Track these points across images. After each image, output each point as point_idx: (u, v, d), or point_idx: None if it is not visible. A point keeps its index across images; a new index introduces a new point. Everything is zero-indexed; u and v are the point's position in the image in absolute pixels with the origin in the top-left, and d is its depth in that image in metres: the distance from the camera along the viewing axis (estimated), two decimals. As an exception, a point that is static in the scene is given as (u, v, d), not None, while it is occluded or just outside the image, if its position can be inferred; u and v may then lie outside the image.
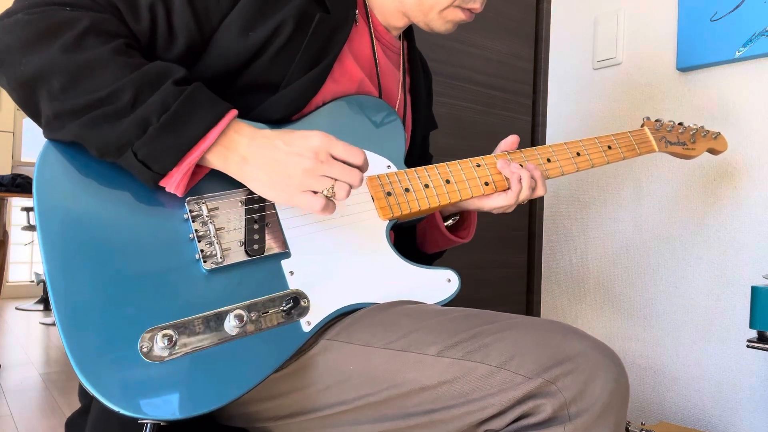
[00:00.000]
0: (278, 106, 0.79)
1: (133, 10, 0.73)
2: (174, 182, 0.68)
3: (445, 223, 1.00)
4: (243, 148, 0.70)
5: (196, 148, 0.67)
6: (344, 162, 0.71)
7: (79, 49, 0.66)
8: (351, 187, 0.71)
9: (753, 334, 1.12)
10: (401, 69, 0.99)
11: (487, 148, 1.75)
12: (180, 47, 0.76)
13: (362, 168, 0.72)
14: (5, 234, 3.01)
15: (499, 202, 0.91)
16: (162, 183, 0.69)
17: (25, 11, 0.68)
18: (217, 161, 0.71)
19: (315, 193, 0.70)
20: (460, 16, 0.92)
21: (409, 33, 1.03)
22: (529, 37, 1.85)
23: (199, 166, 0.71)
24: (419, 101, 1.01)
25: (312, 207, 0.70)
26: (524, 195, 0.91)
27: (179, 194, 0.69)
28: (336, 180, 0.70)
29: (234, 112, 0.71)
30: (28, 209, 4.21)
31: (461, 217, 1.03)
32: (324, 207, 0.70)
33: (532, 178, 0.91)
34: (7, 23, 0.67)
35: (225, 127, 0.69)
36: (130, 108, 0.66)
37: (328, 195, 0.71)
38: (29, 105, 0.68)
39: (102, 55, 0.67)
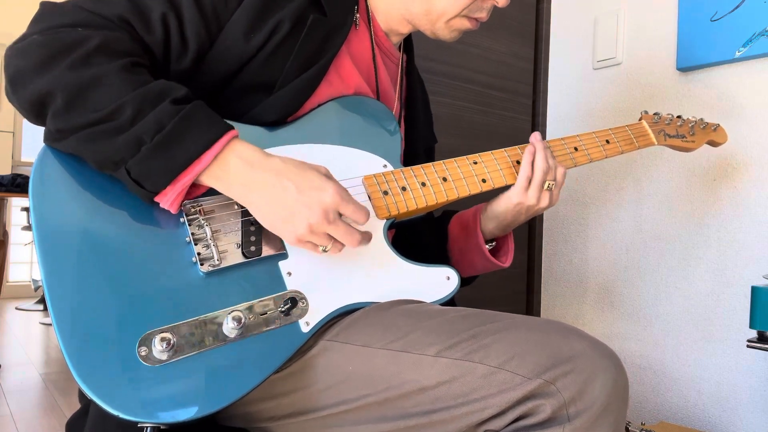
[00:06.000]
0: (272, 108, 0.79)
1: (145, 23, 0.73)
2: (168, 200, 0.68)
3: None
4: (245, 175, 0.69)
5: (189, 170, 0.67)
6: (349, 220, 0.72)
7: (86, 66, 0.66)
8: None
9: (753, 334, 1.12)
10: (399, 81, 0.98)
11: (487, 148, 1.74)
12: (192, 54, 0.76)
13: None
14: (5, 234, 3.01)
15: (513, 193, 0.89)
16: (156, 199, 0.68)
17: (38, 34, 0.68)
18: (215, 183, 0.70)
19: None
20: (466, 25, 0.91)
21: (408, 47, 1.02)
22: (529, 37, 1.84)
23: (196, 184, 0.71)
24: (415, 116, 1.00)
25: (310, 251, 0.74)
26: (537, 178, 0.88)
27: (173, 211, 0.69)
28: (335, 240, 0.72)
29: (232, 133, 0.69)
30: (28, 209, 4.20)
31: (498, 242, 1.01)
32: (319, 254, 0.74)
33: (548, 163, 0.89)
34: (21, 46, 0.68)
35: (221, 149, 0.68)
36: (129, 125, 0.65)
37: (324, 251, 0.72)
38: (41, 121, 0.69)
39: (107, 72, 0.66)
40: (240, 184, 0.69)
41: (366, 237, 0.74)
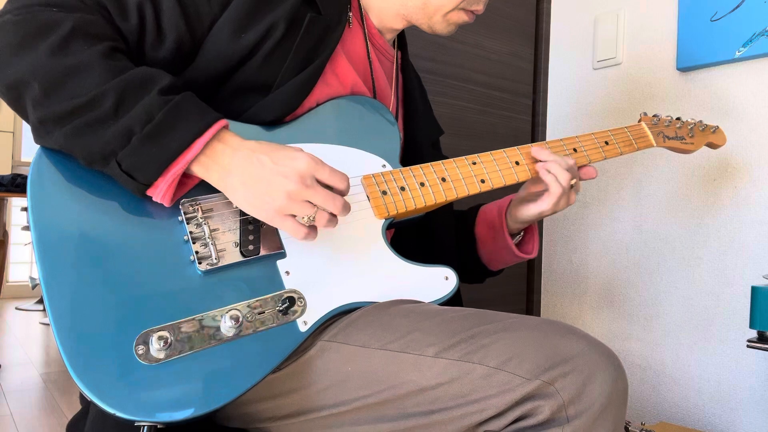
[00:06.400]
0: (270, 108, 0.79)
1: (121, 8, 0.73)
2: (160, 192, 0.67)
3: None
4: (225, 159, 0.69)
5: (180, 159, 0.66)
6: (329, 187, 0.70)
7: (64, 52, 0.66)
8: (332, 215, 0.71)
9: (753, 334, 1.12)
10: (394, 77, 0.98)
11: (487, 148, 1.75)
12: (169, 47, 0.75)
13: (343, 193, 0.72)
14: (5, 234, 3.01)
15: (546, 207, 0.92)
16: (149, 192, 0.68)
17: (12, 12, 0.67)
18: (200, 171, 0.70)
19: (295, 217, 0.70)
20: (463, 18, 0.92)
21: (402, 44, 1.02)
22: (529, 37, 1.84)
23: (187, 176, 0.71)
24: (414, 111, 1.00)
25: (294, 234, 0.70)
26: (564, 180, 0.90)
27: (166, 204, 0.69)
28: (318, 207, 0.70)
29: (222, 122, 0.69)
30: (27, 209, 4.20)
31: (524, 232, 1.04)
32: (306, 235, 0.70)
33: (568, 166, 0.91)
34: None
35: (211, 138, 0.68)
36: (113, 115, 0.65)
37: (309, 222, 0.70)
38: (19, 109, 0.68)
39: (86, 59, 0.66)
40: (220, 168, 0.69)
41: (348, 205, 0.71)
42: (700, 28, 1.45)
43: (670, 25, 1.55)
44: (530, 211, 0.95)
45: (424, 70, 1.55)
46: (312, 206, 0.69)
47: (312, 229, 0.71)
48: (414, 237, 0.99)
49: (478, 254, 1.04)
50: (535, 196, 0.95)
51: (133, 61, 0.71)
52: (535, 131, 1.86)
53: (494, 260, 1.04)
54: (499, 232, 0.99)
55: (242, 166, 0.69)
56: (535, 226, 1.03)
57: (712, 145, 1.17)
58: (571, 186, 0.92)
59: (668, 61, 1.55)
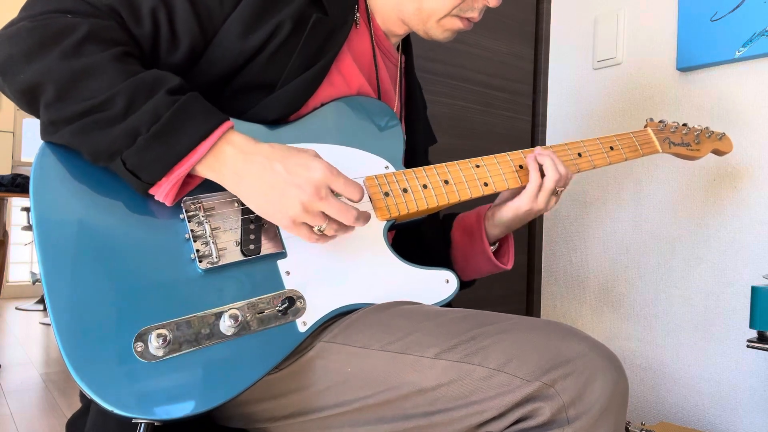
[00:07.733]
0: (274, 107, 0.79)
1: (134, 15, 0.73)
2: (163, 192, 0.68)
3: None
4: (237, 164, 0.69)
5: (186, 161, 0.67)
6: (342, 195, 0.71)
7: (77, 55, 0.66)
8: (342, 226, 0.71)
9: (753, 334, 1.12)
10: (398, 81, 0.98)
11: (487, 148, 1.76)
12: (183, 51, 0.76)
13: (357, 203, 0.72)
14: (5, 234, 3.01)
15: (523, 201, 0.90)
16: (151, 191, 0.68)
17: (28, 20, 0.68)
18: (209, 174, 0.70)
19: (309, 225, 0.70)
20: (458, 24, 0.91)
21: (407, 48, 1.02)
22: (529, 37, 1.84)
23: (191, 176, 0.71)
24: (415, 116, 1.00)
25: (307, 240, 0.72)
26: (548, 186, 0.89)
27: (168, 203, 0.69)
28: (330, 218, 0.70)
29: (228, 124, 0.69)
30: (28, 209, 4.21)
31: (499, 244, 1.02)
32: (317, 242, 0.72)
33: (559, 172, 0.90)
34: (10, 32, 0.68)
35: (217, 140, 0.68)
36: (123, 115, 0.65)
37: (320, 232, 0.71)
38: (33, 111, 0.69)
39: (99, 62, 0.66)
40: (232, 173, 0.69)
41: (364, 216, 0.72)
42: (700, 28, 1.45)
43: (670, 25, 1.55)
44: (508, 207, 0.93)
45: (424, 70, 1.55)
46: (325, 217, 0.70)
47: (324, 237, 0.72)
48: (402, 240, 0.99)
49: (451, 259, 1.02)
50: (514, 195, 0.94)
51: (146, 66, 0.71)
52: (535, 131, 1.86)
53: (468, 267, 1.01)
54: (477, 237, 0.98)
55: (256, 173, 0.69)
56: (511, 237, 1.01)
57: (718, 152, 1.17)
58: (556, 192, 0.91)
59: (668, 61, 1.55)
